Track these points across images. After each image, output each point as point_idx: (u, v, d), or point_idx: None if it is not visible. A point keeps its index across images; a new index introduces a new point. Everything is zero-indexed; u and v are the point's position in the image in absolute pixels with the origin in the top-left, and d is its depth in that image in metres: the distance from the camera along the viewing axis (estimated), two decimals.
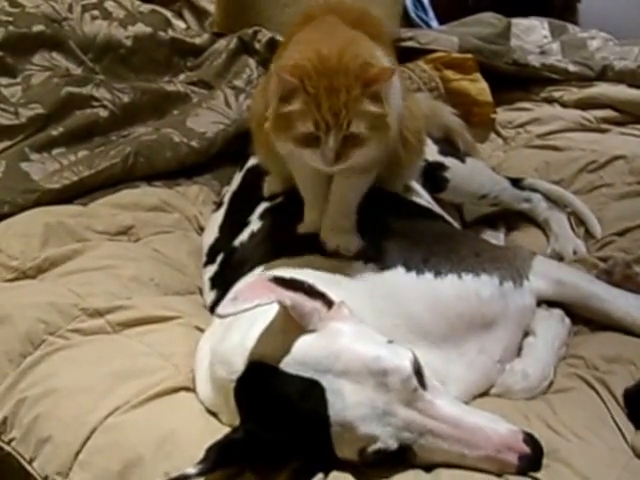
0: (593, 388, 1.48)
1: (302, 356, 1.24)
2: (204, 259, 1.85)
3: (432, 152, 2.00)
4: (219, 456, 1.21)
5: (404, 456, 1.24)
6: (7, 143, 2.06)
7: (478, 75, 2.57)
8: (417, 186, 1.91)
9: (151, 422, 1.36)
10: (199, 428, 1.33)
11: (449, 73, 2.55)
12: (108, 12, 2.41)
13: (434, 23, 3.34)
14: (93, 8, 2.38)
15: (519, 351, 1.59)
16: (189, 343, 1.52)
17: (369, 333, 1.29)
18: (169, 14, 2.72)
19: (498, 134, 2.61)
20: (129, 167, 2.12)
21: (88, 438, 1.36)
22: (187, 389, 1.43)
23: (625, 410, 1.40)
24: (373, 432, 1.20)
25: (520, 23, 2.96)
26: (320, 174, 1.53)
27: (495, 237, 2.12)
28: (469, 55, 2.57)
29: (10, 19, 2.20)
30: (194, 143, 2.25)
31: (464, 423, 1.24)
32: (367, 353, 1.23)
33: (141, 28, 2.44)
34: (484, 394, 1.51)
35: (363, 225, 1.58)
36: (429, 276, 1.53)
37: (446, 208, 2.02)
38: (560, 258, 1.97)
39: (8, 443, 1.45)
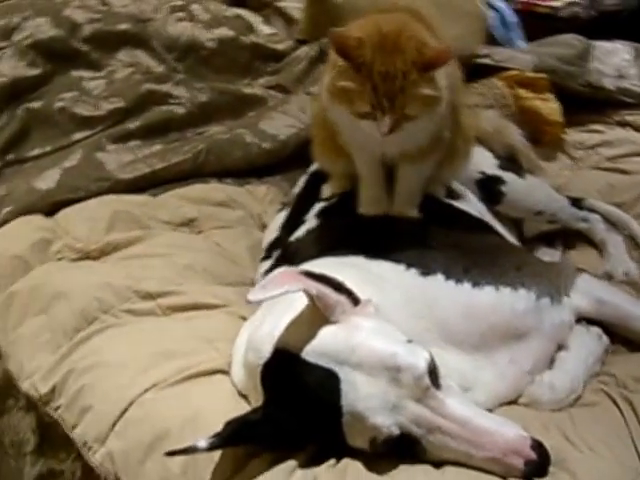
0: (617, 405, 1.49)
1: (322, 346, 1.30)
2: (262, 255, 1.93)
3: (491, 166, 2.05)
4: (233, 433, 1.28)
5: (414, 450, 1.29)
6: (86, 133, 2.19)
7: (550, 95, 2.58)
8: (471, 196, 1.96)
9: (183, 400, 1.44)
10: (227, 409, 1.38)
11: (522, 91, 2.57)
12: (193, 15, 2.52)
13: (521, 43, 3.34)
14: (179, 10, 2.50)
15: (551, 364, 1.62)
16: (232, 330, 1.58)
17: (390, 331, 1.34)
18: (258, 19, 2.84)
19: (568, 154, 2.60)
20: (200, 163, 2.22)
21: (126, 410, 1.45)
22: (224, 372, 1.50)
23: None
24: (382, 423, 1.24)
25: (602, 46, 2.94)
26: (377, 155, 1.64)
27: (551, 254, 2.13)
28: (542, 75, 2.58)
29: (98, 17, 2.34)
30: (266, 145, 2.33)
31: (473, 424, 1.28)
32: (384, 349, 1.28)
33: (224, 32, 2.54)
34: (512, 402, 1.54)
35: (413, 232, 1.66)
36: (467, 286, 1.56)
37: (504, 222, 2.06)
38: (610, 278, 1.98)
39: (55, 410, 1.55)
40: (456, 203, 1.86)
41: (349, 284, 1.42)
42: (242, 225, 2.08)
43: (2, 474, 1.78)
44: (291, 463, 1.30)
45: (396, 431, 1.25)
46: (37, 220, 1.97)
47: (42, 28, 2.25)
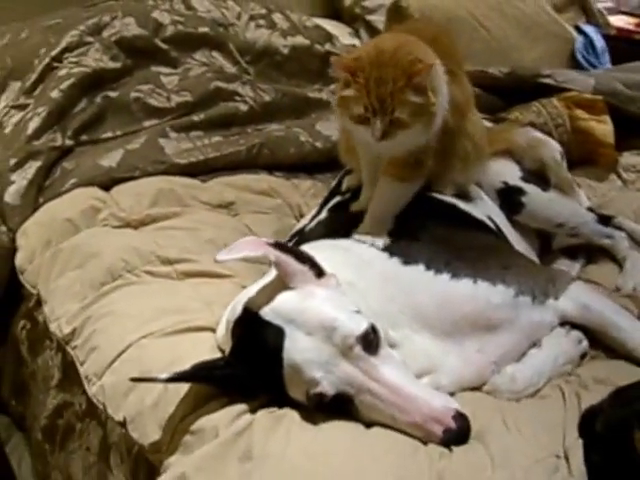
0: (565, 400, 1.58)
1: (276, 307, 1.48)
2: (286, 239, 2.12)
3: (514, 177, 2.15)
4: (194, 371, 1.48)
5: (347, 409, 1.44)
6: (154, 122, 2.43)
7: (607, 117, 2.65)
8: (484, 201, 2.07)
9: (170, 347, 1.65)
10: (203, 358, 1.59)
11: (578, 112, 2.66)
12: (273, 23, 2.75)
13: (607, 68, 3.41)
14: (260, 18, 2.73)
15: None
16: (231, 297, 1.72)
17: (341, 301, 1.50)
18: (346, 31, 3.07)
19: (619, 176, 2.68)
20: (253, 156, 2.44)
21: (123, 352, 1.68)
22: (212, 330, 1.70)
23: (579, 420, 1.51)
24: (315, 376, 1.41)
25: None
26: (376, 158, 1.79)
27: (570, 266, 2.21)
28: (599, 97, 2.66)
29: (181, 19, 2.60)
30: (318, 144, 2.53)
31: (401, 390, 1.43)
32: (328, 313, 1.46)
33: (299, 40, 2.75)
34: (476, 389, 1.64)
35: (405, 225, 1.79)
36: (445, 277, 1.68)
37: (526, 231, 2.17)
38: (618, 291, 2.04)
39: (73, 349, 1.81)
40: (462, 204, 1.96)
41: (331, 262, 1.60)
42: (277, 212, 2.26)
43: (32, 406, 2.06)
44: (242, 407, 1.48)
45: (328, 387, 1.42)
46: (93, 192, 2.23)
47: (129, 27, 2.52)
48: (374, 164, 1.83)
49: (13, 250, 2.16)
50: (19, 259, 2.12)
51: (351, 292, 1.57)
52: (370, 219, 1.80)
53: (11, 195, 2.20)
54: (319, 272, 1.55)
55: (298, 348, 1.43)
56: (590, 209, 2.33)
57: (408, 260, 1.70)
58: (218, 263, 1.55)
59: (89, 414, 1.76)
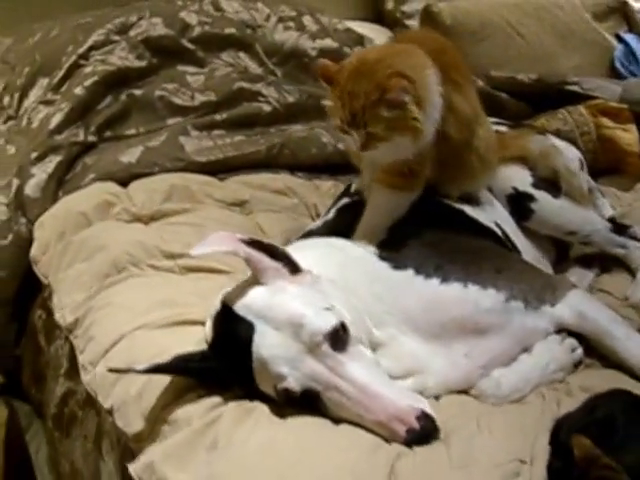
0: (544, 406, 1.57)
1: (248, 302, 1.52)
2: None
3: (525, 183, 2.14)
4: (171, 364, 1.52)
5: (316, 405, 1.47)
6: (177, 119, 2.49)
7: (632, 127, 2.64)
8: (494, 207, 2.07)
9: (158, 339, 1.69)
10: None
11: (604, 120, 2.65)
12: (302, 25, 2.78)
13: None
14: (290, 20, 2.77)
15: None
16: None
17: (312, 297, 1.52)
18: (385, 34, 3.08)
19: None
20: (273, 155, 2.47)
21: (116, 342, 1.73)
22: (204, 324, 1.72)
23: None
24: (281, 372, 1.45)
25: None
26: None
27: (583, 275, 2.20)
28: (624, 106, 2.64)
29: (209, 20, 2.65)
30: (341, 145, 2.53)
31: (368, 388, 1.44)
32: (296, 309, 1.48)
33: (328, 42, 2.78)
34: (463, 393, 1.65)
35: (400, 230, 1.80)
36: (435, 281, 1.68)
37: (539, 239, 2.16)
38: (625, 300, 2.03)
39: (75, 338, 1.87)
40: (470, 210, 1.97)
41: (319, 259, 1.64)
42: (292, 212, 2.29)
43: (46, 394, 2.13)
44: (217, 399, 1.52)
45: (294, 383, 1.45)
46: (109, 186, 2.29)
47: (156, 27, 2.58)
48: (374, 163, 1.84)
49: (32, 241, 2.24)
50: (34, 250, 2.20)
51: (333, 290, 1.59)
52: (363, 228, 1.81)
53: (31, 188, 2.28)
54: (294, 269, 1.57)
55: (266, 343, 1.47)
56: (611, 219, 2.31)
57: (398, 265, 1.71)
58: (194, 258, 1.58)
59: (88, 403, 1.82)
